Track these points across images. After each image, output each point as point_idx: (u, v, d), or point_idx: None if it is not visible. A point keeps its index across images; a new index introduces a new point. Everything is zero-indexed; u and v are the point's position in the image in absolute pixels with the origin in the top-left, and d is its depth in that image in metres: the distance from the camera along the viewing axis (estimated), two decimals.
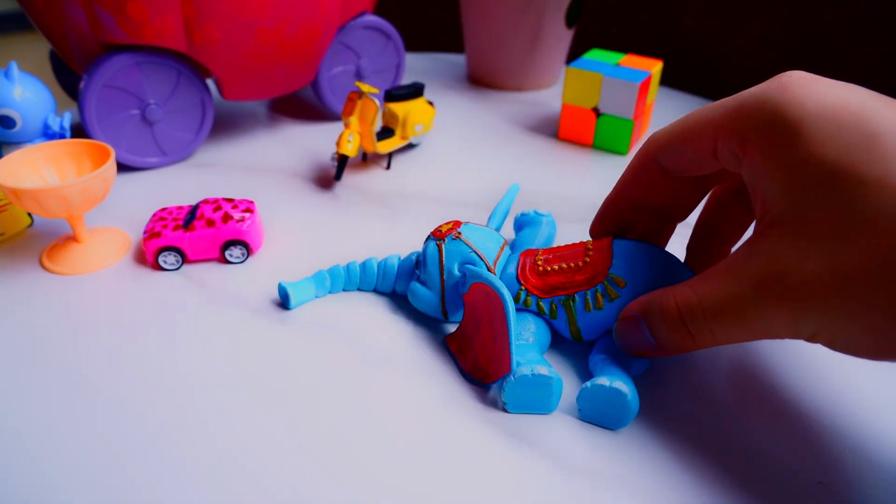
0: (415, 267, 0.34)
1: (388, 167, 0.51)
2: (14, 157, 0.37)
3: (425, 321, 0.34)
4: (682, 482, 0.26)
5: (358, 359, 0.32)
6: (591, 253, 0.31)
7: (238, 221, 0.38)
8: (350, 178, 0.50)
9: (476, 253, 0.32)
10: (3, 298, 0.36)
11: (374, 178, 0.50)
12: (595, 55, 0.56)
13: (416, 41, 0.85)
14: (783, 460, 0.27)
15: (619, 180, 0.32)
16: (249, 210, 0.39)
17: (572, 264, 0.31)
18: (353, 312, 0.35)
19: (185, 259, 0.38)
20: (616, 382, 0.27)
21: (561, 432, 0.28)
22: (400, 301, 0.36)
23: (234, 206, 0.39)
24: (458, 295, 0.32)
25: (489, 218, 0.39)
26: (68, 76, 0.55)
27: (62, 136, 0.45)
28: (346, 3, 0.53)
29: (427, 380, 0.31)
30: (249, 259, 0.39)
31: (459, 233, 0.33)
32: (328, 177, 0.50)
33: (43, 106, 0.44)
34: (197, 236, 0.38)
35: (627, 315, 0.28)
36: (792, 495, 0.25)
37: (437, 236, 0.33)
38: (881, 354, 0.22)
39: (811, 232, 0.21)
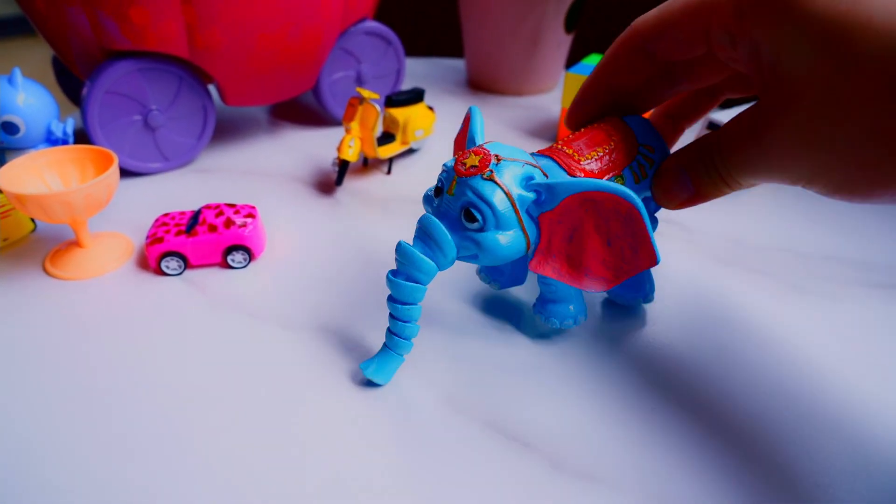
0: (465, 221, 0.28)
1: (389, 172, 0.52)
2: (17, 162, 0.37)
3: (426, 325, 0.34)
4: (681, 484, 0.26)
5: (358, 362, 0.32)
6: (613, 134, 0.31)
7: (240, 227, 0.38)
8: (351, 184, 0.50)
9: (531, 165, 0.28)
10: (7, 303, 0.36)
11: (374, 183, 0.50)
12: (594, 60, 0.57)
13: (417, 46, 0.86)
14: (781, 461, 0.27)
15: (598, 65, 0.32)
16: (251, 215, 0.39)
17: (606, 147, 0.30)
18: (354, 316, 0.35)
19: (187, 264, 0.38)
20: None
21: (561, 435, 0.28)
22: None
23: (236, 212, 0.39)
24: (530, 219, 0.29)
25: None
26: (71, 82, 0.56)
27: (65, 142, 0.45)
28: (346, 9, 0.53)
29: (428, 383, 0.31)
30: (251, 264, 0.40)
31: (497, 156, 0.28)
32: (329, 182, 0.50)
33: (46, 112, 0.45)
34: (199, 241, 0.38)
35: (670, 167, 0.30)
36: (790, 496, 0.26)
37: (472, 173, 0.28)
38: (875, 190, 0.23)
39: (813, 82, 0.23)
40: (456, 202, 0.28)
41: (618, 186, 0.27)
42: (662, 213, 0.46)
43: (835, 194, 0.24)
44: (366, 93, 0.47)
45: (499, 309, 0.36)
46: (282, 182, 0.50)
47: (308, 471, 0.26)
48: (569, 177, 0.29)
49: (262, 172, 0.51)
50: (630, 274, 0.28)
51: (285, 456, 0.27)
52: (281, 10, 0.48)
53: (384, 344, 0.30)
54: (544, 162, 0.30)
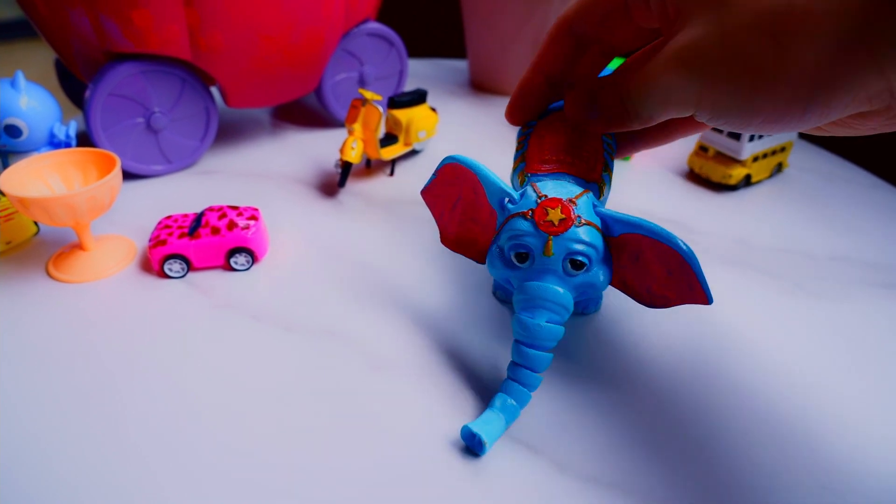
0: (571, 270, 0.28)
1: (392, 174, 0.52)
2: (20, 166, 0.37)
3: (431, 328, 0.34)
4: (686, 487, 0.26)
5: (363, 365, 0.32)
6: (566, 128, 0.31)
7: (243, 229, 0.38)
8: (354, 185, 0.50)
9: (585, 192, 0.29)
10: (10, 306, 0.36)
11: (377, 184, 0.50)
12: None
13: (419, 47, 0.85)
14: (787, 464, 0.27)
15: (532, 59, 0.32)
16: (254, 217, 0.39)
17: (579, 142, 0.31)
18: (358, 319, 0.35)
19: (190, 267, 0.38)
20: None
21: (566, 437, 0.28)
22: (404, 306, 0.36)
23: (239, 214, 0.39)
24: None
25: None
26: (74, 85, 0.56)
27: (68, 145, 0.45)
28: (349, 10, 0.53)
29: (433, 387, 0.31)
30: (254, 266, 0.39)
31: (571, 200, 0.28)
32: (332, 184, 0.50)
33: (49, 115, 0.45)
34: (202, 244, 0.38)
35: (581, 90, 0.30)
36: (796, 499, 0.25)
37: (564, 228, 0.28)
38: (757, 115, 0.24)
39: (698, 13, 0.24)
40: (558, 259, 0.28)
41: (669, 235, 0.27)
42: (667, 214, 0.46)
43: (719, 120, 0.25)
44: (368, 94, 0.47)
45: (502, 313, 0.36)
46: (284, 184, 0.50)
47: (310, 472, 0.26)
48: (590, 184, 0.30)
49: (264, 174, 0.51)
50: (688, 302, 0.28)
51: (288, 458, 0.27)
52: (283, 12, 0.48)
53: (497, 402, 0.28)
54: (568, 180, 0.30)
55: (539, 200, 0.28)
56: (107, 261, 0.39)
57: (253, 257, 0.39)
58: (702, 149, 0.51)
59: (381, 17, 0.70)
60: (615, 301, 0.36)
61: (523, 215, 0.28)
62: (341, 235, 0.43)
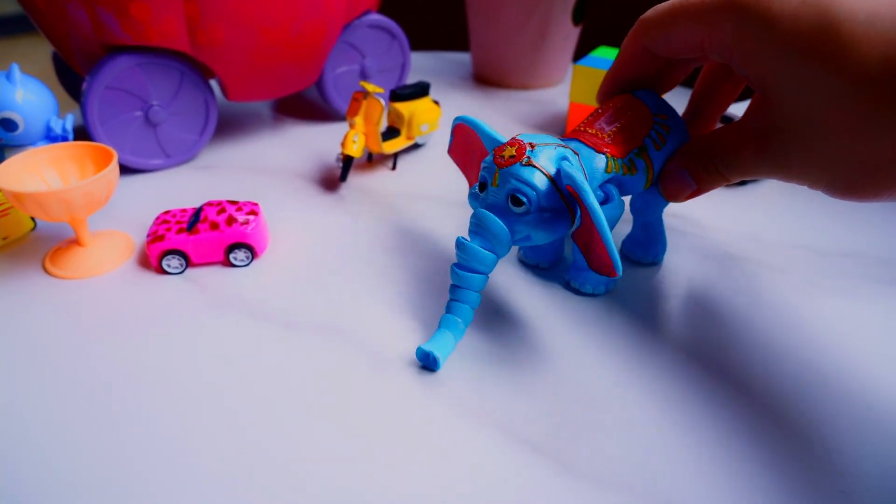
0: (512, 207, 0.30)
1: (394, 167, 0.51)
2: (16, 160, 0.37)
3: (433, 324, 0.34)
4: (692, 488, 0.25)
5: (363, 363, 0.31)
6: (628, 110, 0.34)
7: (242, 224, 0.38)
8: (355, 179, 0.49)
9: (562, 146, 0.31)
10: (6, 303, 0.35)
11: (379, 178, 0.49)
12: (602, 53, 0.56)
13: (422, 40, 0.85)
14: (799, 466, 0.26)
15: (615, 60, 0.35)
16: (254, 212, 0.39)
17: (624, 121, 0.33)
18: (359, 315, 0.34)
19: (188, 262, 0.38)
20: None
21: (569, 438, 0.27)
22: (406, 303, 0.35)
23: (239, 209, 0.39)
24: (572, 196, 0.30)
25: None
26: (71, 78, 0.55)
27: (65, 139, 0.44)
28: (350, 2, 0.53)
29: (435, 384, 0.30)
30: (254, 262, 0.39)
31: (531, 143, 0.30)
32: (333, 178, 0.49)
33: (45, 108, 0.44)
34: (201, 239, 0.37)
35: (673, 170, 0.33)
36: (810, 502, 0.25)
37: (512, 163, 0.29)
38: (881, 187, 0.25)
39: (800, 94, 0.26)
40: (501, 191, 0.30)
41: (583, 187, 0.28)
42: (676, 208, 0.45)
43: (838, 195, 0.26)
44: (370, 87, 0.46)
45: (504, 309, 0.35)
46: (285, 178, 0.49)
47: (310, 471, 0.26)
48: (597, 154, 0.32)
49: (264, 169, 0.51)
50: (600, 269, 0.30)
51: (286, 456, 0.26)
52: (284, 4, 0.48)
53: (440, 325, 0.31)
54: (573, 144, 0.33)
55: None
56: (104, 256, 0.38)
57: (252, 253, 0.38)
58: None
59: (383, 9, 0.70)
60: (618, 299, 0.36)
61: (493, 151, 0.31)
62: (342, 231, 0.42)
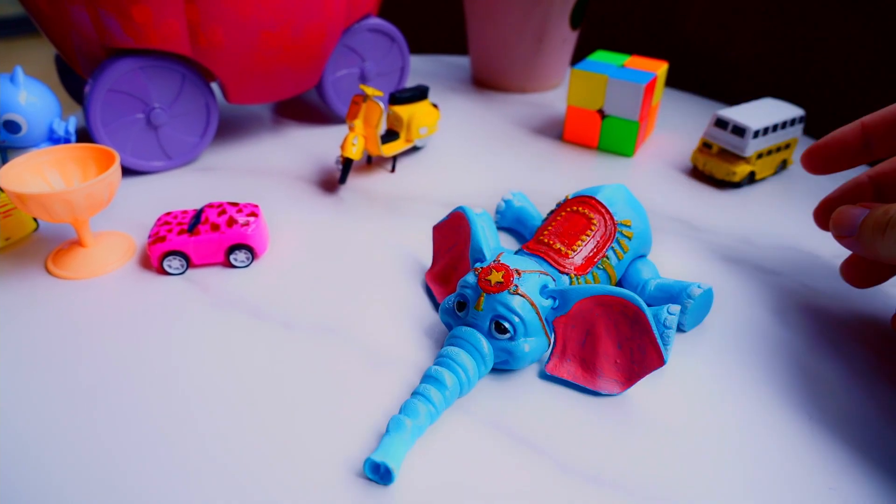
0: (495, 333, 0.29)
1: (393, 170, 0.51)
2: (19, 161, 0.37)
3: (432, 325, 0.34)
4: (690, 488, 0.25)
5: (362, 363, 0.32)
6: (591, 218, 0.34)
7: (243, 226, 0.38)
8: (355, 182, 0.49)
9: (544, 274, 0.31)
10: (9, 303, 0.36)
11: (378, 181, 0.50)
12: (600, 56, 0.56)
13: (421, 43, 0.85)
14: (791, 466, 0.27)
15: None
16: (254, 214, 0.39)
17: (588, 233, 0.34)
18: (358, 315, 0.35)
19: (189, 263, 0.38)
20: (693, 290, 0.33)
21: (569, 437, 0.28)
22: (405, 304, 0.36)
23: (239, 210, 0.39)
24: (549, 322, 0.31)
25: (482, 248, 0.34)
26: (73, 80, 0.55)
27: (67, 141, 0.45)
28: (350, 5, 0.53)
29: None
30: (254, 263, 0.39)
31: (518, 270, 0.30)
32: (333, 180, 0.50)
33: (48, 110, 0.44)
34: (202, 241, 0.37)
35: (849, 212, 0.31)
36: (803, 501, 0.25)
37: (499, 289, 0.29)
38: None
39: None
40: (486, 316, 0.29)
41: (624, 291, 0.29)
42: (670, 211, 0.45)
43: None
44: (369, 90, 0.47)
45: None
46: (285, 180, 0.50)
47: (309, 470, 0.26)
48: (560, 276, 0.32)
49: (265, 171, 0.51)
50: (641, 375, 0.29)
51: (286, 456, 0.26)
52: (284, 7, 0.48)
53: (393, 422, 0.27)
54: (543, 265, 0.33)
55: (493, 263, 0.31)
56: (106, 257, 0.39)
57: (253, 254, 0.39)
58: (705, 145, 0.50)
59: (383, 13, 0.70)
60: None
61: (475, 271, 0.31)
62: (342, 232, 0.43)
